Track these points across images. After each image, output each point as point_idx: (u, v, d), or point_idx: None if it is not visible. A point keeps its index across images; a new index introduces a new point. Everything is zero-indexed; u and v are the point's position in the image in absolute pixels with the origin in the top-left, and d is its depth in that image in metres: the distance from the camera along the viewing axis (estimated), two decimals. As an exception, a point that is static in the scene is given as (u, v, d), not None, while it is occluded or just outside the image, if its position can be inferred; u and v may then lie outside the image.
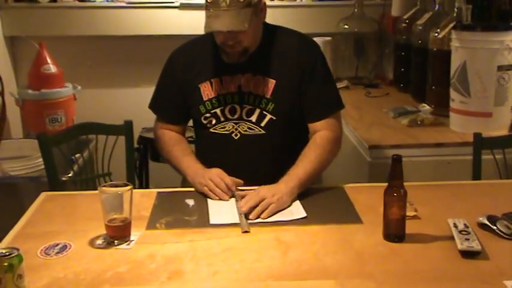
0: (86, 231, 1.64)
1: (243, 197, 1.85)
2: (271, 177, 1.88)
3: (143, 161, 3.34)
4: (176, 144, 2.09)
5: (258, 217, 1.72)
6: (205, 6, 1.87)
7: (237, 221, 1.70)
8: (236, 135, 2.03)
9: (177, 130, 2.14)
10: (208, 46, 2.01)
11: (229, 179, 1.90)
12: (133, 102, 3.67)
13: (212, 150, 2.09)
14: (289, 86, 2.00)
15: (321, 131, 1.98)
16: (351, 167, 2.61)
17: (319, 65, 2.01)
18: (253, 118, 2.01)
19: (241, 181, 1.91)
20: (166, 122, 2.14)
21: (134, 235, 1.61)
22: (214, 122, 2.04)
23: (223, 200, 1.86)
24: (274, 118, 2.00)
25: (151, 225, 1.70)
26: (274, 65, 1.99)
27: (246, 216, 1.72)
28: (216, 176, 1.91)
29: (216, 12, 1.83)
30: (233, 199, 1.86)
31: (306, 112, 2.02)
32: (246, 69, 1.98)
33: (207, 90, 2.02)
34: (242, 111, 2.01)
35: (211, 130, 2.05)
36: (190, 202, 1.88)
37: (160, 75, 2.13)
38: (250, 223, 1.69)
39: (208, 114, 2.03)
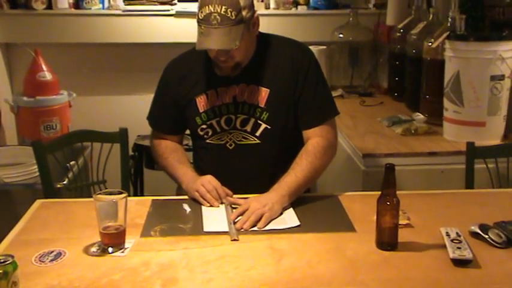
0: (81, 239, 1.65)
1: (232, 203, 1.87)
2: (267, 187, 1.88)
3: (138, 168, 3.34)
4: (172, 152, 2.10)
5: (252, 227, 1.73)
6: (197, 23, 1.86)
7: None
8: (231, 145, 2.04)
9: (174, 139, 2.15)
10: (202, 58, 2.01)
11: (220, 187, 1.91)
12: (128, 110, 3.69)
13: (208, 160, 2.10)
14: (283, 94, 2.01)
15: (313, 139, 1.99)
16: (345, 175, 2.63)
17: (312, 71, 2.02)
18: (248, 128, 2.02)
19: (231, 192, 1.92)
20: (163, 132, 2.16)
21: (129, 242, 1.62)
22: (210, 133, 2.05)
23: (214, 206, 1.87)
24: (269, 127, 2.01)
25: (145, 232, 1.71)
26: (267, 74, 2.00)
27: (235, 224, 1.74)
28: (208, 182, 1.92)
29: (207, 29, 1.83)
30: (224, 207, 1.87)
31: (299, 119, 2.03)
32: (240, 79, 1.99)
33: (202, 102, 2.03)
34: (236, 121, 2.02)
35: (207, 141, 2.06)
36: (185, 210, 1.90)
37: (156, 88, 2.14)
38: (244, 231, 1.71)
39: (204, 126, 2.04)
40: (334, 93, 2.54)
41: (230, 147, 2.04)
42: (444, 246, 1.56)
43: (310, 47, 2.16)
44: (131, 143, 3.03)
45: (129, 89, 3.83)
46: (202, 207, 1.89)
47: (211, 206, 1.88)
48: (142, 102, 2.38)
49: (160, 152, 2.12)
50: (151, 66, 3.20)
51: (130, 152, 3.11)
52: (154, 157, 2.18)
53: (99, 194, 1.62)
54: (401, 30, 3.21)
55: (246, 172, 2.04)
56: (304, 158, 1.94)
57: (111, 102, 3.84)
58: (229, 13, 1.82)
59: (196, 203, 1.92)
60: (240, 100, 2.01)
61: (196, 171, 2.06)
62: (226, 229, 1.71)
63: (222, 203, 1.89)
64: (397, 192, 1.57)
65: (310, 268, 1.50)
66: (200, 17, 1.85)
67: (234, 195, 1.92)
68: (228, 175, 1.99)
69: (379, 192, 1.59)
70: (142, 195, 3.37)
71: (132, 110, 3.63)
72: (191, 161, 2.18)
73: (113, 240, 1.59)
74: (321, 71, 2.07)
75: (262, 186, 1.89)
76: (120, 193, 1.60)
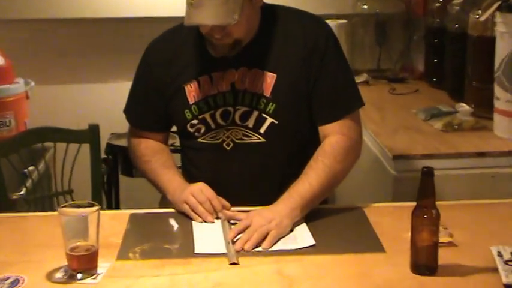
0: (42, 262, 1.65)
1: (230, 218, 1.87)
2: (274, 197, 1.89)
3: (112, 175, 3.35)
4: (155, 154, 2.11)
5: (255, 247, 1.73)
6: None
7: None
8: (228, 144, 2.05)
9: (157, 138, 2.16)
10: (192, 35, 2.02)
11: (215, 198, 1.92)
12: (100, 102, 3.70)
13: (200, 164, 2.11)
14: (294, 81, 2.01)
15: (332, 137, 1.99)
16: (371, 182, 2.63)
17: (330, 51, 2.02)
18: (250, 123, 2.02)
19: (228, 204, 1.93)
20: (143, 130, 2.17)
21: (102, 267, 1.63)
22: (203, 130, 2.06)
23: (207, 222, 1.88)
24: (276, 122, 2.01)
25: (123, 254, 1.72)
26: (273, 54, 2.01)
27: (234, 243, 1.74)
28: (199, 191, 1.93)
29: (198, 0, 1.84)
30: (220, 223, 1.87)
31: (313, 112, 2.04)
32: (240, 61, 2.00)
33: (193, 92, 2.03)
34: (235, 114, 2.03)
35: (199, 140, 2.07)
36: (171, 226, 1.91)
37: (135, 75, 2.15)
38: (245, 253, 1.71)
39: (195, 121, 2.05)
40: (357, 79, 2.55)
41: (228, 148, 2.05)
42: (496, 270, 1.56)
43: (328, 22, 2.17)
44: (103, 143, 3.04)
45: (100, 75, 3.83)
46: (193, 222, 1.89)
47: (204, 221, 1.89)
48: (118, 91, 2.40)
49: (140, 154, 2.13)
50: (128, 46, 3.21)
51: (103, 155, 3.12)
52: (132, 160, 2.19)
53: (65, 206, 1.62)
54: (441, 0, 3.21)
55: (247, 179, 2.05)
56: (320, 160, 1.94)
57: (79, 93, 3.84)
58: None
59: (185, 218, 1.92)
60: (240, 88, 2.01)
61: (185, 177, 2.06)
62: (224, 250, 1.72)
63: (217, 217, 1.90)
64: (437, 202, 1.57)
65: (328, 298, 1.51)
66: (189, -16, 1.86)
67: (233, 208, 1.93)
68: (225, 182, 2.00)
69: (414, 203, 1.59)
70: (118, 208, 3.38)
71: (104, 102, 3.64)
72: (179, 165, 2.19)
73: (83, 264, 1.59)
74: (341, 52, 2.08)
75: (267, 197, 1.90)
76: (91, 205, 1.61)
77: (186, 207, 1.92)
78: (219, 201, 1.92)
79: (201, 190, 1.93)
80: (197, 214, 1.90)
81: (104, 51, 3.80)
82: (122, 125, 2.25)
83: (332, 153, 1.95)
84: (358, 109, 2.08)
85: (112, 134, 3.36)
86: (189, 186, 1.97)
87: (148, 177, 2.11)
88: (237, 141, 2.04)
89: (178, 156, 2.24)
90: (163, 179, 2.05)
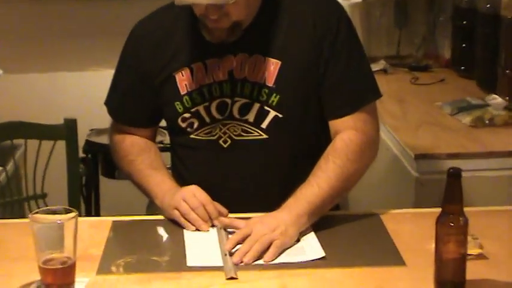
0: (12, 276, 1.66)
1: (227, 226, 1.87)
2: (278, 202, 1.89)
3: (92, 176, 3.35)
4: (141, 153, 2.11)
5: (256, 259, 1.74)
6: None
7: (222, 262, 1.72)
8: (225, 141, 2.05)
9: (144, 134, 2.17)
10: (184, 16, 2.02)
11: (210, 203, 1.92)
12: (77, 93, 3.70)
13: (193, 165, 2.11)
14: (301, 68, 2.01)
15: (344, 133, 1.99)
16: (390, 185, 2.63)
17: (343, 35, 2.02)
18: (250, 117, 2.03)
19: (226, 210, 1.94)
20: (127, 125, 2.17)
21: (80, 282, 1.63)
22: (196, 124, 2.06)
23: (201, 230, 1.88)
24: (280, 116, 2.02)
25: (104, 268, 1.72)
26: (278, 38, 2.01)
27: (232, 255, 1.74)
28: (192, 195, 1.93)
29: None
30: (215, 231, 1.88)
31: (324, 104, 2.04)
32: (239, 47, 2.00)
33: (185, 81, 2.03)
34: (233, 106, 2.03)
35: (192, 136, 2.08)
36: (160, 236, 1.91)
37: (118, 61, 2.15)
38: (245, 266, 1.71)
39: (187, 114, 2.05)
40: (374, 67, 2.54)
41: (224, 145, 2.05)
42: (532, 286, 1.57)
43: (340, 1, 2.17)
44: (82, 141, 3.04)
45: (78, 62, 3.83)
46: (185, 231, 1.90)
47: (197, 229, 1.89)
48: (98, 81, 2.40)
49: (124, 153, 2.14)
50: (110, 29, 3.21)
51: (81, 154, 3.12)
52: (115, 160, 2.19)
53: (38, 213, 1.62)
54: (470, -24, 3.22)
55: (247, 181, 2.05)
56: (331, 160, 1.94)
57: (53, 82, 3.84)
58: None
59: (176, 226, 1.93)
60: (239, 77, 2.01)
61: (176, 179, 2.07)
62: (220, 263, 1.72)
63: (212, 225, 1.90)
64: (465, 208, 1.57)
65: (340, 318, 1.51)
66: (181, -44, 1.86)
67: (230, 215, 1.93)
68: (221, 185, 2.00)
69: (439, 209, 1.59)
70: (98, 214, 3.38)
71: (83, 92, 3.64)
72: (168, 165, 2.19)
73: (58, 278, 1.59)
74: (355, 35, 2.08)
75: (270, 201, 1.90)
76: (68, 212, 1.61)
77: (176, 214, 1.92)
78: (214, 207, 1.92)
79: (194, 194, 1.93)
80: (189, 221, 1.90)
81: (83, 34, 3.80)
82: (103, 119, 2.25)
83: (345, 151, 1.95)
84: (375, 101, 2.08)
85: (91, 129, 3.36)
86: (180, 189, 1.97)
87: (134, 180, 2.11)
88: (236, 137, 2.04)
89: (167, 155, 2.24)
90: (150, 181, 2.05)
